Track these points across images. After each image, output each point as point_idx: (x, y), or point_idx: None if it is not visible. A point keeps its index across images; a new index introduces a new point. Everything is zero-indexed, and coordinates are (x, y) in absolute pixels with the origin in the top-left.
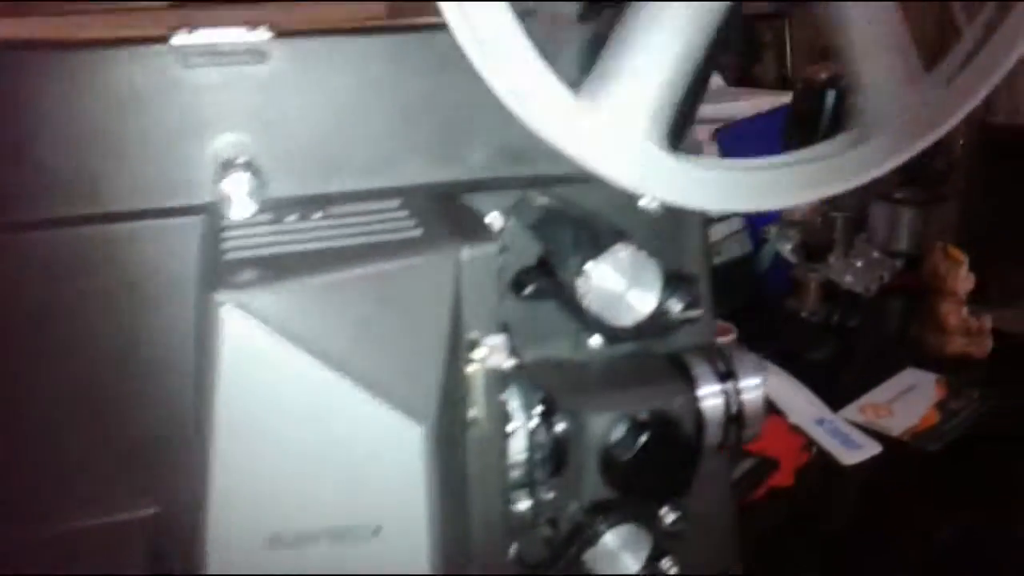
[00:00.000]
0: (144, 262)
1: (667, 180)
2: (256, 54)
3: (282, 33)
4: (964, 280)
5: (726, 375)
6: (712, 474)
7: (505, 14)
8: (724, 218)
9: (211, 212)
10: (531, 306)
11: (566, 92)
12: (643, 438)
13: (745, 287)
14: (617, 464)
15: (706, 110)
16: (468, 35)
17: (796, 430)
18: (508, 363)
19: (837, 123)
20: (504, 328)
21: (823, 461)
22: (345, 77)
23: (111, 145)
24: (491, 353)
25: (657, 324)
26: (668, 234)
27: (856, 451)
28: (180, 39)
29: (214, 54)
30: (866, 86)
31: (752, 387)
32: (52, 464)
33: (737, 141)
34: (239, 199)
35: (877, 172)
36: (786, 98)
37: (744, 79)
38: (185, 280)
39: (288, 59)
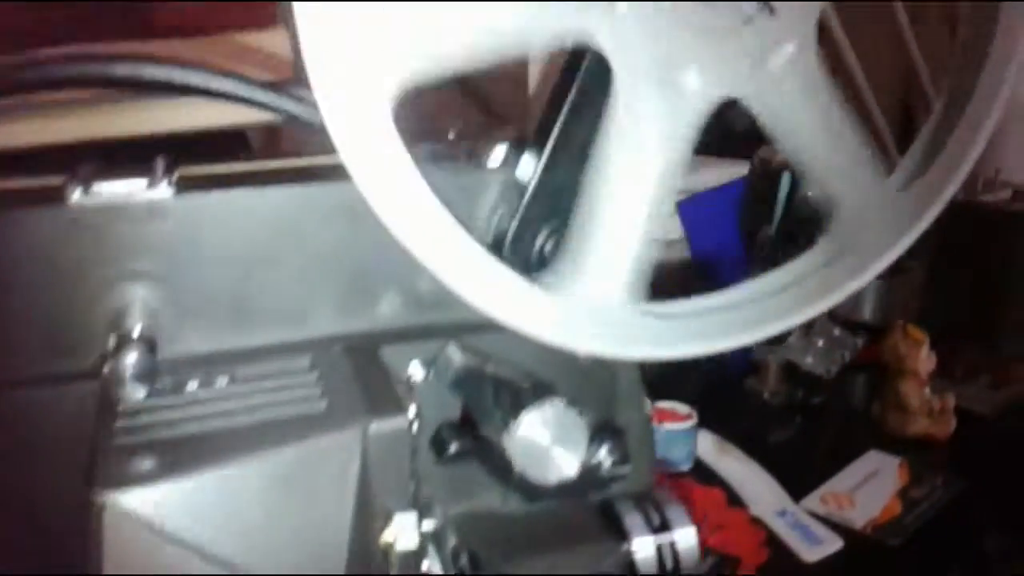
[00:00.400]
0: (39, 426)
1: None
2: (157, 212)
3: (185, 183)
4: (925, 360)
5: (660, 527)
6: None
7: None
8: None
9: (105, 381)
10: (457, 463)
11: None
12: None
13: (706, 368)
14: None
15: None
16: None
17: (757, 523)
18: (427, 524)
19: (790, 206)
20: (418, 498)
21: (784, 557)
22: (250, 230)
23: (3, 307)
24: (401, 532)
25: (584, 481)
26: (600, 380)
27: (817, 547)
28: (77, 198)
29: (113, 214)
30: (832, 202)
31: (687, 539)
32: None
33: (699, 213)
34: (131, 380)
35: (853, 287)
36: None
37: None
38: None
39: (191, 215)
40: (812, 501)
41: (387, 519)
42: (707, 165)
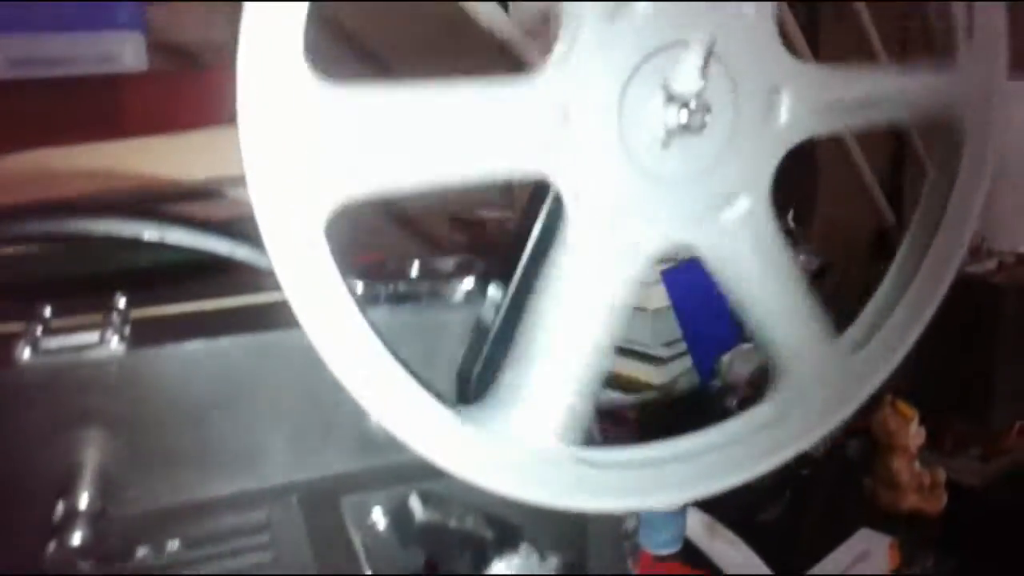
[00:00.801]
0: None
1: (585, 489)
2: (108, 367)
3: (137, 337)
4: (914, 436)
5: None
6: None
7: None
8: (675, 357)
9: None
10: None
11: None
12: None
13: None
14: None
15: None
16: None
17: None
18: None
19: None
20: None
21: None
22: (203, 381)
23: None
24: None
25: None
26: (570, 519)
27: None
28: (26, 357)
29: (63, 371)
30: (779, 361)
31: None
32: None
33: (685, 281)
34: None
35: (799, 448)
36: None
37: None
38: None
39: (142, 368)
40: None
41: None
42: None
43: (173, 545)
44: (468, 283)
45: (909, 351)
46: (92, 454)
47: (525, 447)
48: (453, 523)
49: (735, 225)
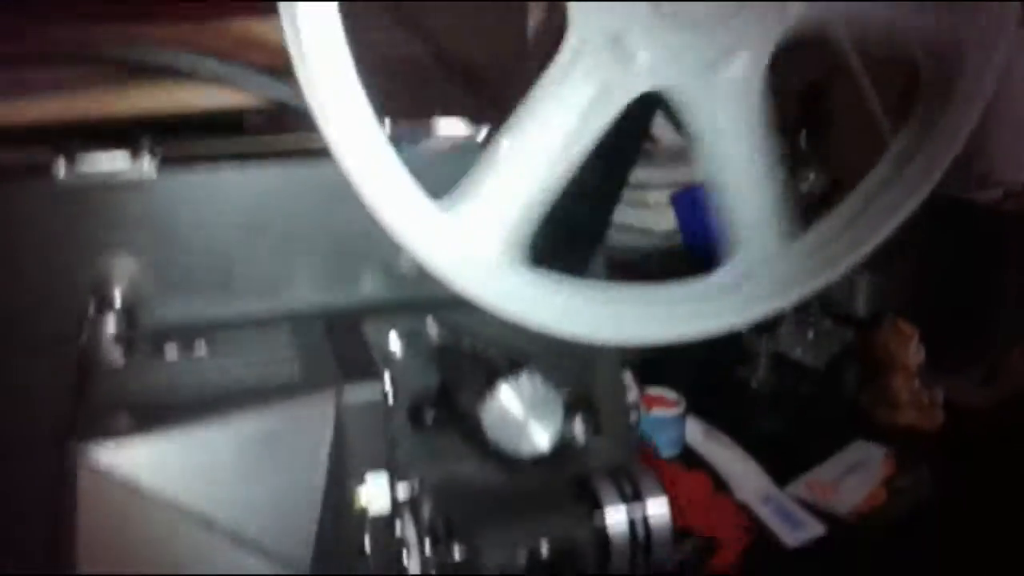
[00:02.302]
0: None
1: (521, 299)
2: (140, 188)
3: (169, 161)
4: (914, 354)
5: (633, 497)
6: None
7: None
8: None
9: (84, 347)
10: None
11: (429, 204)
12: (542, 569)
13: (696, 356)
14: None
15: (660, 175)
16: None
17: (741, 508)
18: (403, 490)
19: None
20: (392, 453)
21: (767, 542)
22: (233, 207)
23: None
24: (375, 493)
25: (559, 454)
26: (576, 352)
27: (800, 532)
28: (63, 172)
29: (97, 188)
30: (740, 241)
31: (659, 509)
32: None
33: (692, 205)
34: (108, 342)
35: (743, 319)
36: None
37: None
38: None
39: (174, 191)
40: (797, 488)
41: (361, 484)
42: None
43: (200, 348)
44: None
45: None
46: (123, 271)
47: (475, 246)
48: (466, 346)
49: (727, 85)
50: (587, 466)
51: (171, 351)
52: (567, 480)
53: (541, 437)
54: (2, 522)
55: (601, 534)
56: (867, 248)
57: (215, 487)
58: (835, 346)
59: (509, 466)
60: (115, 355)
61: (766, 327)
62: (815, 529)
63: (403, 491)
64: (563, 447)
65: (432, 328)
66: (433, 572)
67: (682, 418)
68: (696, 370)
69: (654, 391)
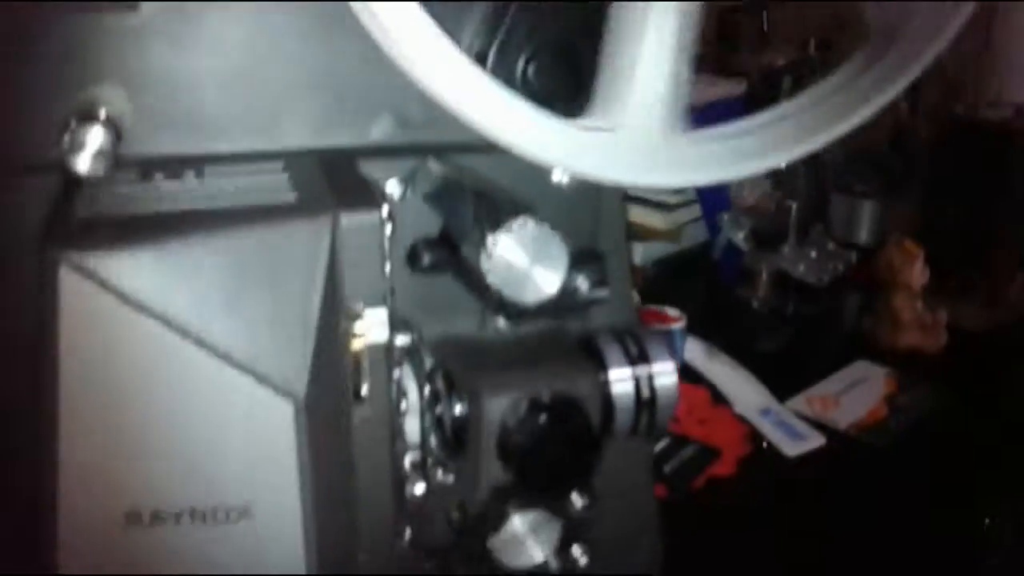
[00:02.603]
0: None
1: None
2: (131, 14)
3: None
4: (919, 274)
5: (638, 358)
6: (630, 460)
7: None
8: (683, 205)
9: (66, 172)
10: (433, 281)
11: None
12: (543, 422)
13: (701, 276)
14: (516, 448)
15: None
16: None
17: (740, 420)
18: (402, 339)
19: None
20: (390, 300)
21: (767, 452)
22: (228, 41)
23: None
24: (372, 327)
25: (563, 304)
26: (581, 208)
27: (800, 443)
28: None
29: (88, 14)
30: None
31: (665, 372)
32: None
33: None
34: (91, 153)
35: (894, 90)
36: (742, 87)
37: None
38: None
39: (166, 23)
40: (797, 402)
41: (358, 313)
42: (706, 83)
43: (190, 176)
44: None
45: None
46: (110, 100)
47: (634, 134)
48: (469, 190)
49: None
50: (591, 324)
51: (158, 178)
52: (571, 338)
53: (546, 283)
54: None
55: (605, 392)
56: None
57: (204, 305)
58: (839, 266)
59: (511, 316)
60: (97, 167)
61: (769, 246)
62: (815, 440)
63: (402, 340)
64: (567, 299)
65: (433, 171)
66: (430, 427)
67: (682, 333)
68: (697, 291)
69: (654, 307)
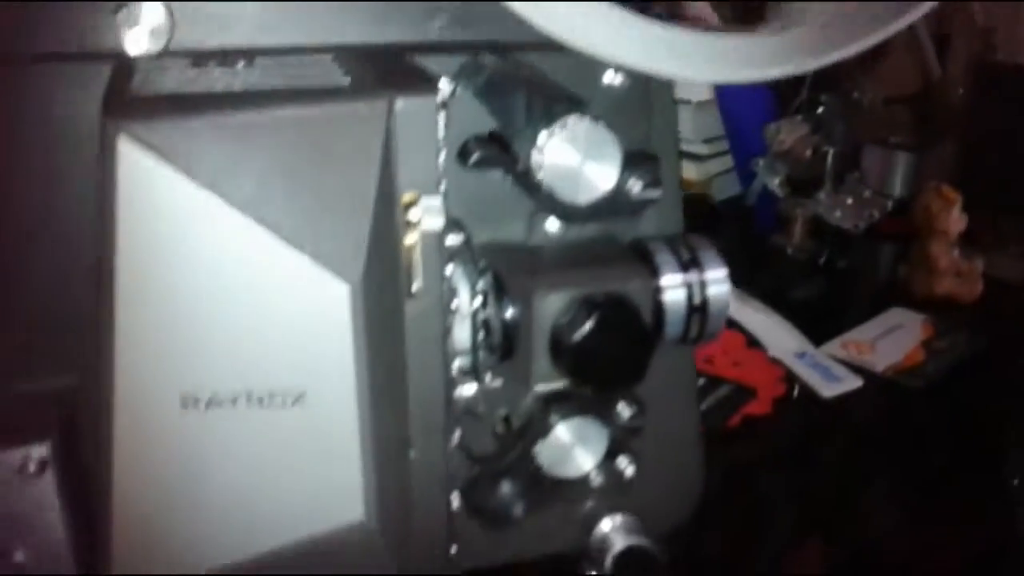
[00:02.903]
0: (56, 110)
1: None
2: None
3: None
4: (956, 221)
5: (690, 265)
6: (674, 374)
7: None
8: (715, 155)
9: (120, 57)
10: (483, 186)
11: None
12: (596, 319)
13: (734, 225)
14: (568, 347)
15: None
16: None
17: (775, 362)
18: (453, 238)
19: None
20: (443, 189)
21: (802, 392)
22: None
23: None
24: (427, 214)
25: (615, 205)
26: (633, 111)
27: (836, 384)
28: None
29: None
30: None
31: (717, 280)
32: None
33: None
34: (147, 31)
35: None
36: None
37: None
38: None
39: None
40: (832, 347)
41: (413, 200)
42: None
43: (240, 64)
44: None
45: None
46: None
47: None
48: (521, 85)
49: None
50: (640, 232)
51: (210, 64)
52: (621, 243)
53: (599, 180)
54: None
55: (657, 297)
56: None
57: (262, 180)
58: (875, 212)
59: (562, 216)
60: (154, 45)
61: (804, 192)
62: (853, 382)
63: (452, 241)
64: (620, 199)
65: (486, 65)
66: (481, 332)
67: None
68: (730, 238)
69: None
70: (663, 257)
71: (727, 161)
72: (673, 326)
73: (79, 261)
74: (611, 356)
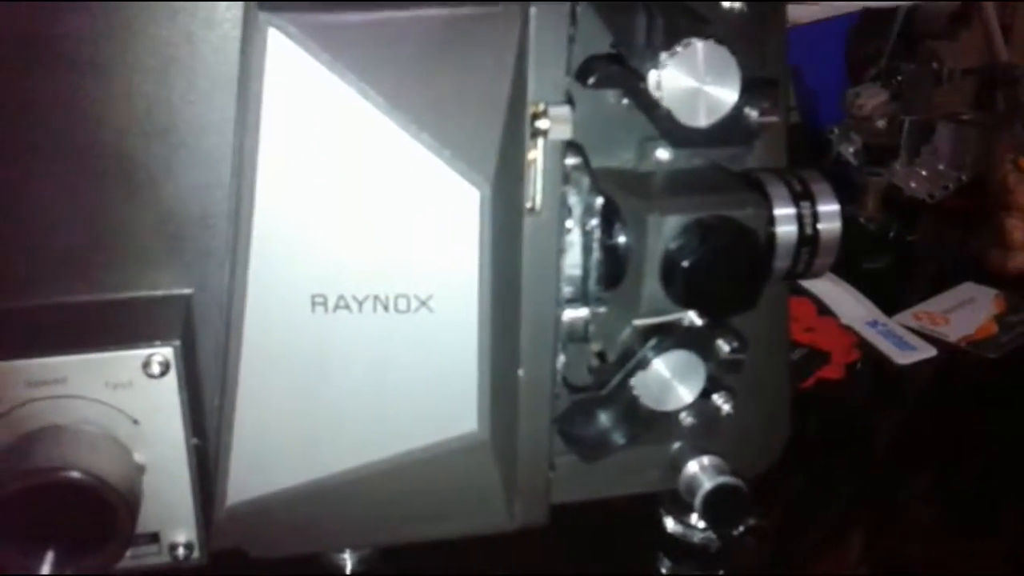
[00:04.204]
0: (186, 20)
1: None
2: None
3: None
4: None
5: (802, 196)
6: (770, 315)
7: None
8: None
9: None
10: (595, 110)
11: None
12: (710, 243)
13: None
14: (681, 271)
15: None
16: None
17: (847, 330)
18: (571, 159)
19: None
20: (571, 103)
21: (875, 359)
22: None
23: None
24: (555, 123)
25: (732, 129)
26: (750, 37)
27: (910, 352)
28: None
29: None
30: None
31: (829, 213)
32: (80, 229)
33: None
34: None
35: None
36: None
37: None
38: (229, 44)
39: None
40: (905, 317)
41: (542, 109)
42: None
43: None
44: None
45: None
46: None
47: None
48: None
49: None
50: (748, 161)
51: None
52: (736, 172)
53: (719, 102)
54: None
55: (769, 227)
56: None
57: (402, 80)
58: (949, 184)
59: (678, 142)
60: None
61: (879, 162)
62: (926, 351)
63: (571, 161)
64: (739, 124)
65: None
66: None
67: None
68: None
69: None
70: (775, 187)
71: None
72: (783, 257)
73: (200, 170)
74: (724, 282)
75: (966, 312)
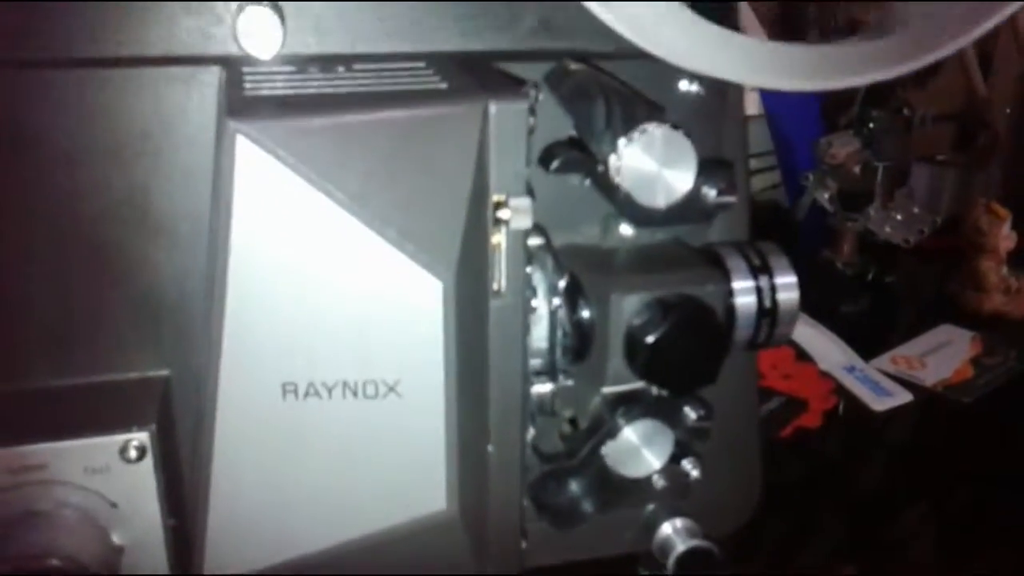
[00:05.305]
0: (161, 111)
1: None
2: None
3: None
4: (1006, 238)
5: (761, 270)
6: (737, 380)
7: None
8: (762, 170)
9: (232, 63)
10: (560, 189)
11: None
12: (671, 320)
13: (782, 239)
14: (643, 347)
15: None
16: None
17: (825, 376)
18: (534, 240)
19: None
20: (531, 193)
21: (852, 406)
22: None
23: None
24: (515, 214)
25: (690, 209)
26: (707, 119)
27: (887, 398)
28: None
29: None
30: None
31: (787, 285)
32: (57, 314)
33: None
34: (262, 32)
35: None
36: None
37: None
38: (203, 134)
39: None
40: (882, 362)
41: (502, 201)
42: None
43: (339, 70)
44: None
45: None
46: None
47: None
48: (606, 82)
49: None
50: (710, 235)
51: (311, 69)
52: (692, 248)
53: (676, 184)
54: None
55: (728, 301)
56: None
57: (367, 180)
58: (924, 228)
59: (639, 220)
60: (270, 48)
61: (853, 207)
62: (903, 396)
63: (533, 242)
64: (696, 204)
65: (571, 65)
66: (560, 331)
67: None
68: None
69: None
70: (734, 262)
71: (774, 176)
72: (743, 329)
73: (177, 252)
74: (685, 357)
75: (943, 355)
